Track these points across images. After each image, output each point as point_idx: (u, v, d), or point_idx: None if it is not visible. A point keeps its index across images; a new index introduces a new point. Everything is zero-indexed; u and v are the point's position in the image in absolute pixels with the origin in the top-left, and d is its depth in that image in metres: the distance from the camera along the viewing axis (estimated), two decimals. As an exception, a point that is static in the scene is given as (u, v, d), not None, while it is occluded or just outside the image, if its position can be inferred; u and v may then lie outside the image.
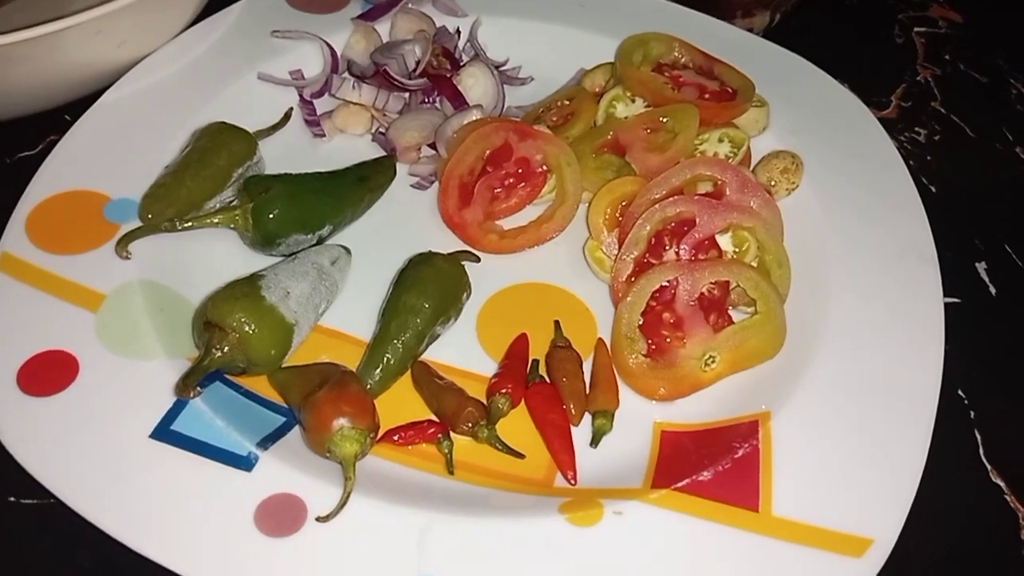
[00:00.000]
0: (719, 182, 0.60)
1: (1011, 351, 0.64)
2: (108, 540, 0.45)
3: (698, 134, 0.63)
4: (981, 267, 0.69)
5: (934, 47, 0.88)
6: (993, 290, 0.67)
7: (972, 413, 0.60)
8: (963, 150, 0.78)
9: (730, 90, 0.66)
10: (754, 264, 0.59)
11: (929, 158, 0.77)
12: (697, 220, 0.58)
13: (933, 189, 0.74)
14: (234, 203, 0.60)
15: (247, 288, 0.53)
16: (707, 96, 0.65)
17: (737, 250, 0.59)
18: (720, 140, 0.64)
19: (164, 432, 0.49)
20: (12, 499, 0.50)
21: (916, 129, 0.80)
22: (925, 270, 0.60)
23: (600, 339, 0.58)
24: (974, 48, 0.88)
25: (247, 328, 0.51)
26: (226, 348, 0.51)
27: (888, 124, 0.80)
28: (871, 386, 0.54)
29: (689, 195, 0.59)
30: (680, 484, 0.49)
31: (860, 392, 0.53)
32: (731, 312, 0.58)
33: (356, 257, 0.61)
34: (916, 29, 0.90)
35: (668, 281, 0.56)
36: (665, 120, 0.64)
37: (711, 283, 0.56)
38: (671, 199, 0.58)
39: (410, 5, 0.75)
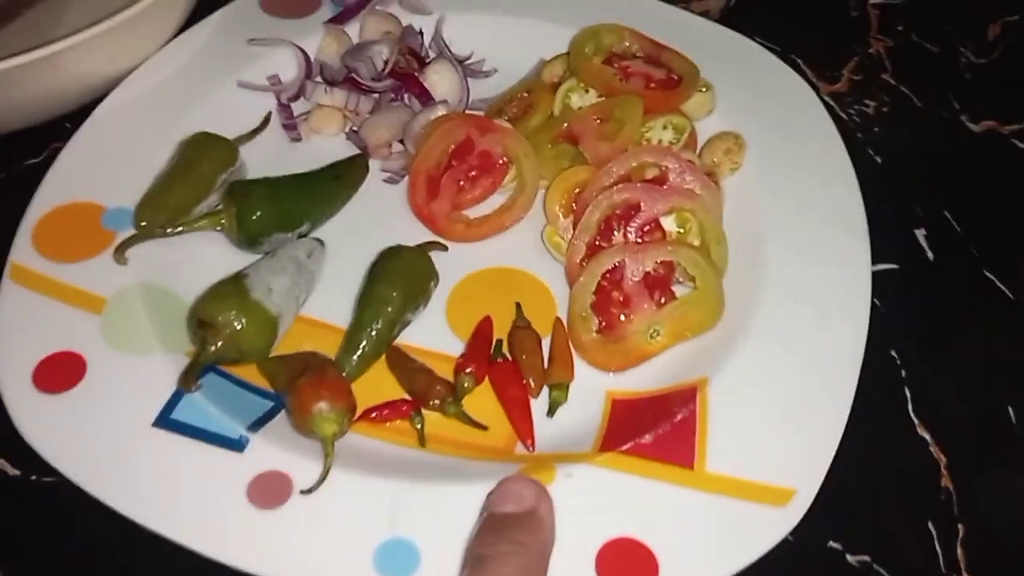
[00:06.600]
0: (663, 168, 0.64)
1: (943, 313, 0.68)
2: (117, 517, 0.51)
3: (644, 122, 0.68)
4: (920, 233, 0.73)
5: (888, 18, 0.91)
6: (931, 255, 0.72)
7: (903, 372, 0.64)
8: (910, 120, 0.82)
9: (675, 77, 0.70)
10: (697, 242, 0.64)
11: (877, 129, 0.81)
12: (642, 205, 0.63)
13: (879, 160, 0.78)
14: (219, 207, 0.65)
15: (233, 287, 0.59)
16: (653, 85, 0.70)
17: (681, 229, 0.64)
18: (664, 127, 0.68)
19: (165, 420, 0.55)
20: (33, 478, 0.56)
21: (865, 101, 0.83)
22: (855, 244, 0.64)
23: (558, 318, 0.63)
24: (927, 17, 0.91)
25: (236, 324, 0.57)
26: (219, 343, 0.57)
27: (839, 97, 0.84)
28: (801, 350, 0.59)
29: (634, 182, 0.64)
30: (624, 447, 0.54)
31: (791, 356, 0.58)
32: (677, 287, 0.63)
33: (334, 250, 0.66)
34: (871, 1, 0.93)
35: (616, 262, 0.61)
36: (614, 110, 0.68)
37: (656, 262, 0.62)
38: (618, 186, 0.63)
39: (377, 7, 0.79)
